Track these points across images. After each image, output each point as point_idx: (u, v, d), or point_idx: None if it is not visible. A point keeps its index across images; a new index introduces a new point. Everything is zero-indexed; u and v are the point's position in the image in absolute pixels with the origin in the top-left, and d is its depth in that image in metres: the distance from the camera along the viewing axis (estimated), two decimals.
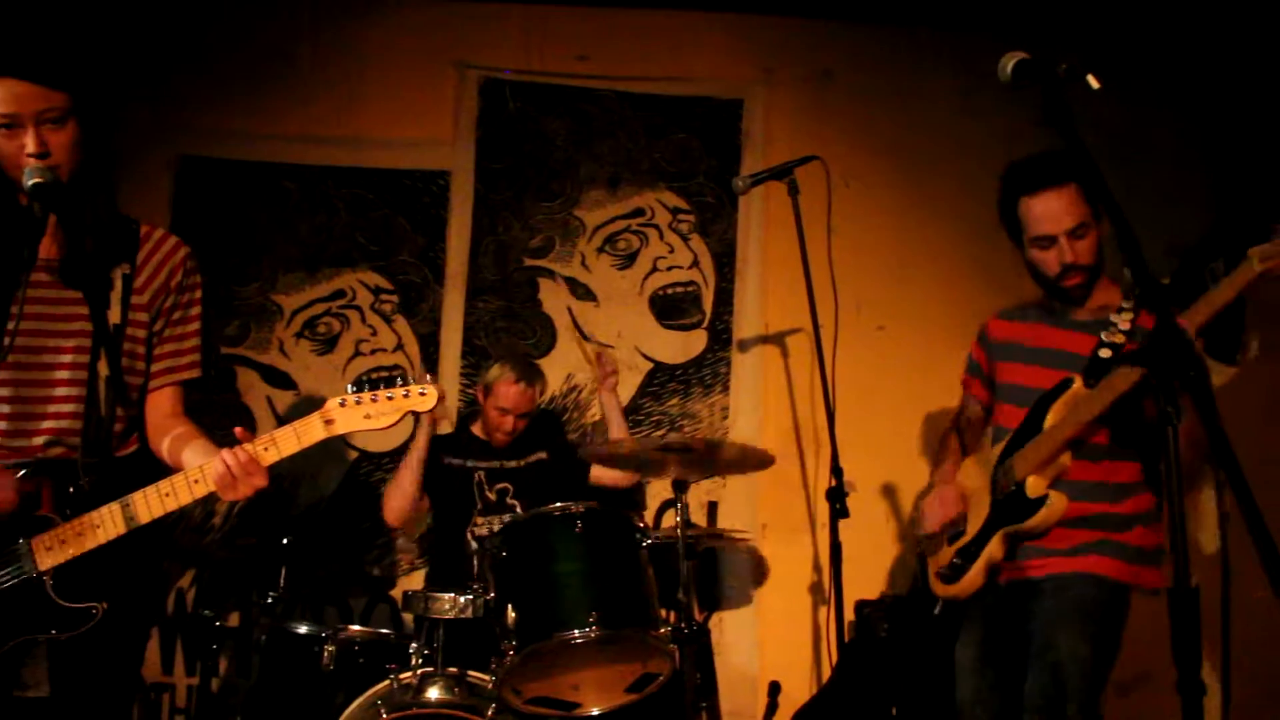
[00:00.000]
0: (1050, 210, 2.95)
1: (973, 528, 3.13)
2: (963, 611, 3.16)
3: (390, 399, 2.45)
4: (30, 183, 2.33)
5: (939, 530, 3.24)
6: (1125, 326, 2.92)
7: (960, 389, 3.47)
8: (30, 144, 2.39)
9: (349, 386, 2.46)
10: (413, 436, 4.31)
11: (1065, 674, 2.82)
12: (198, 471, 2.44)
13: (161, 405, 2.65)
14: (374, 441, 4.88)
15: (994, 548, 3.04)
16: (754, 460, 3.95)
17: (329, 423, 2.45)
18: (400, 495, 4.28)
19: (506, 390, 4.33)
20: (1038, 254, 3.02)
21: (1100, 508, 2.96)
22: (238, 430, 2.45)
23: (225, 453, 2.41)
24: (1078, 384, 2.94)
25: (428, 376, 2.49)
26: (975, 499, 3.17)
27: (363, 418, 2.45)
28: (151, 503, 2.43)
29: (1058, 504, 2.93)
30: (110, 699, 2.52)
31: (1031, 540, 3.01)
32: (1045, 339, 3.10)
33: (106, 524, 2.42)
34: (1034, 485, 2.96)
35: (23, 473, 2.41)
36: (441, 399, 2.50)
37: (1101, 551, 2.94)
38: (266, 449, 2.44)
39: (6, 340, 2.14)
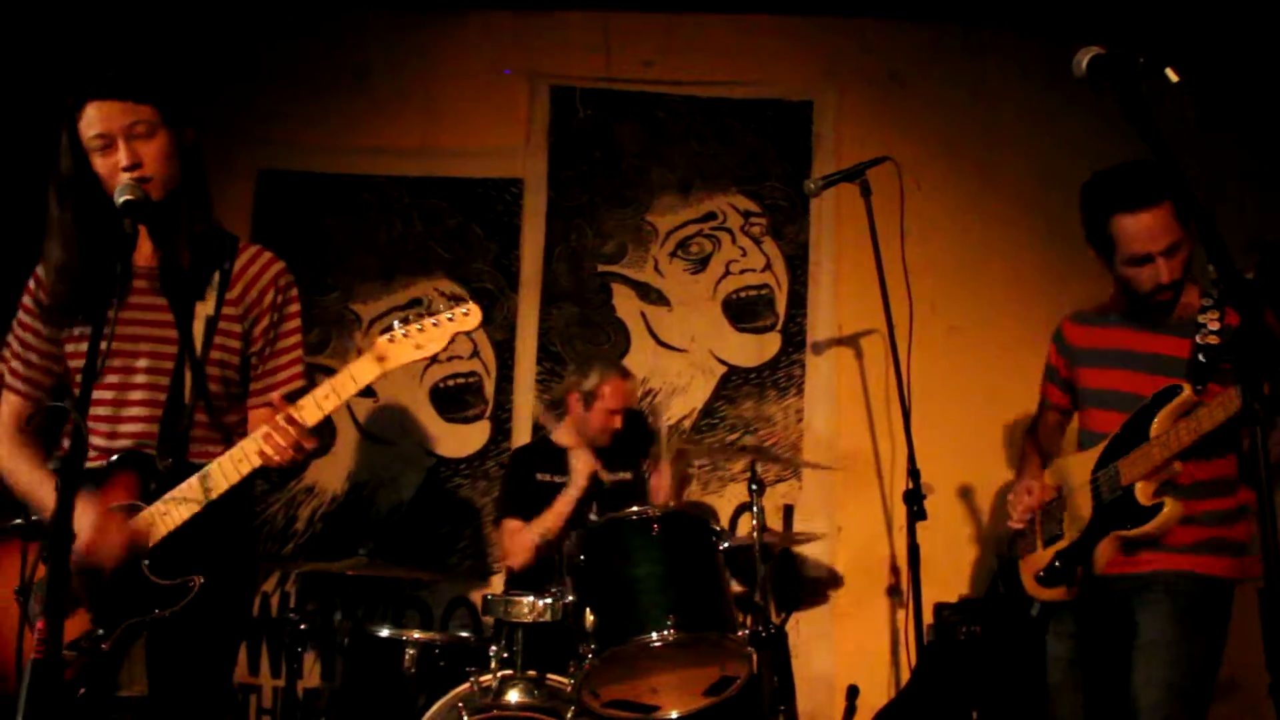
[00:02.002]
0: (1148, 230, 2.93)
1: (1072, 531, 3.11)
2: (1058, 611, 3.17)
3: (436, 325, 2.50)
4: (120, 200, 2.39)
5: (1026, 523, 3.24)
6: (1215, 326, 2.92)
7: (1038, 391, 3.46)
8: (123, 158, 2.47)
9: (395, 321, 2.50)
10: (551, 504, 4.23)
11: (1179, 673, 2.85)
12: (240, 450, 2.50)
13: (262, 422, 2.72)
14: (451, 447, 4.94)
15: (1104, 551, 3.03)
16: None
17: (382, 359, 2.49)
18: (528, 551, 4.20)
19: (616, 389, 4.36)
20: (1130, 271, 3.00)
21: (1210, 504, 2.97)
22: (273, 396, 2.52)
23: (264, 417, 2.47)
24: (1187, 391, 2.92)
25: (466, 303, 2.53)
26: (1072, 501, 3.14)
27: (414, 348, 2.49)
28: (227, 470, 2.49)
29: (1174, 510, 2.91)
30: (205, 698, 2.58)
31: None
32: (1138, 344, 3.09)
33: (187, 499, 2.48)
34: (1144, 490, 2.95)
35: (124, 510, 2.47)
36: (482, 319, 2.52)
37: (1212, 550, 2.95)
38: (327, 397, 2.49)
39: (104, 345, 2.21)
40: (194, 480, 2.49)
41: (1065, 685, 3.11)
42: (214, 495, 2.49)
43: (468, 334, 2.56)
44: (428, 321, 2.49)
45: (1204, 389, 2.90)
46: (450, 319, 2.50)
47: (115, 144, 2.48)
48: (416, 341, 2.49)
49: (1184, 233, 2.92)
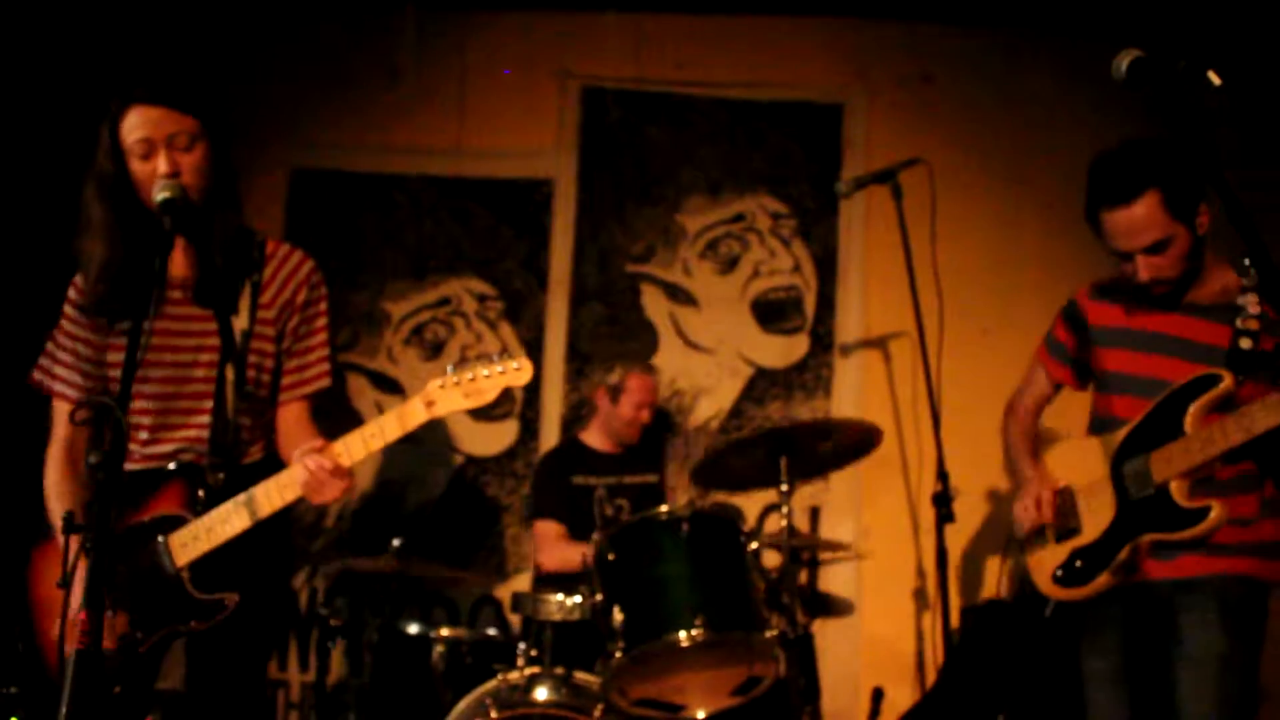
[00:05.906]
0: (1124, 227, 2.79)
1: (1093, 528, 2.93)
2: (1076, 613, 3.01)
3: (488, 376, 2.49)
4: (159, 197, 2.44)
5: (1031, 532, 3.06)
6: (1255, 310, 2.75)
7: (1066, 392, 3.28)
8: (163, 165, 2.51)
9: (449, 367, 2.51)
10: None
11: (1228, 686, 2.74)
12: (287, 476, 2.52)
13: (290, 418, 2.75)
14: (479, 446, 4.97)
15: (1132, 553, 2.86)
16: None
17: (430, 404, 2.50)
18: (565, 564, 4.14)
19: (640, 383, 4.40)
20: (1123, 265, 2.88)
21: (1242, 502, 2.81)
22: (316, 444, 2.52)
23: (307, 459, 2.48)
24: (1227, 381, 2.74)
25: (521, 352, 2.53)
26: (1089, 494, 2.96)
27: (463, 397, 2.50)
28: (271, 495, 2.52)
29: (1221, 515, 2.72)
30: (240, 699, 2.62)
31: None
32: (1163, 325, 2.91)
33: (232, 518, 2.52)
34: (1181, 490, 2.77)
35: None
36: (532, 375, 2.53)
37: (1253, 551, 2.80)
38: (374, 436, 2.51)
39: (140, 355, 2.24)
40: (240, 501, 2.52)
41: (1109, 703, 2.93)
42: (260, 517, 2.52)
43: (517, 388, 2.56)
44: (480, 372, 2.49)
45: (1243, 381, 2.73)
46: (502, 372, 2.49)
47: (156, 150, 2.52)
48: (466, 390, 2.49)
49: (1174, 225, 2.75)
